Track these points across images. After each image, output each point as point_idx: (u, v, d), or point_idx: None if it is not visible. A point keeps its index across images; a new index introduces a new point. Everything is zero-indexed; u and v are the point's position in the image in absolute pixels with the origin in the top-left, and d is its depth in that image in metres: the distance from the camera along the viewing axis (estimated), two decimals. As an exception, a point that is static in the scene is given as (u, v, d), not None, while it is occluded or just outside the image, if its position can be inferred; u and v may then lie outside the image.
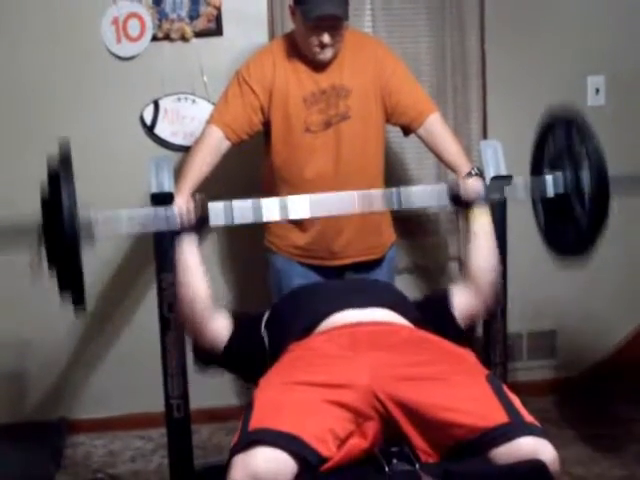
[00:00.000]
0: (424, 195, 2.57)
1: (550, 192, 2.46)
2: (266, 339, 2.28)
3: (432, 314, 2.32)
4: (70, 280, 2.12)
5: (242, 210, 2.44)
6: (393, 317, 2.24)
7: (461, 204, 2.44)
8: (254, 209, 2.45)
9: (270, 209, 2.47)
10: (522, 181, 2.55)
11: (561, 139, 2.43)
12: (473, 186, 2.46)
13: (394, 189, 2.55)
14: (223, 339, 2.30)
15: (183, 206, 2.36)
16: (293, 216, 2.50)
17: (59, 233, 2.06)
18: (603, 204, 2.27)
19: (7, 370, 3.66)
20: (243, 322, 2.35)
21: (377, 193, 2.60)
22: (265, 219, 2.48)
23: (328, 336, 2.12)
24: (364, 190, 2.58)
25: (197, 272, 2.31)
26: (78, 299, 2.16)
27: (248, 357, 2.23)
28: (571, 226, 2.40)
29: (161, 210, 2.38)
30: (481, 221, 2.42)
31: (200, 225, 2.34)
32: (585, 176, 2.32)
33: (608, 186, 2.26)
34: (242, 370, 2.38)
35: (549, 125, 2.50)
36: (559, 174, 2.42)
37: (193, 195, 2.44)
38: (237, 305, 3.62)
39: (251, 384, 2.11)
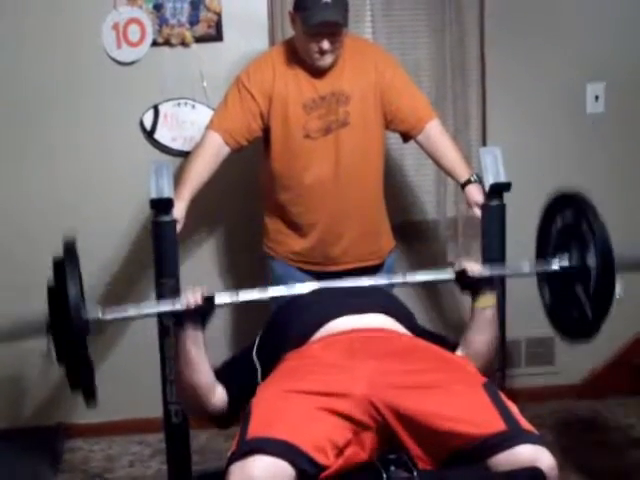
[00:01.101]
0: (430, 277, 2.56)
1: (555, 266, 2.43)
2: (258, 365, 2.26)
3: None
4: (79, 378, 2.13)
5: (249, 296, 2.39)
6: (390, 324, 2.23)
7: (467, 288, 2.39)
8: (260, 294, 2.41)
9: (276, 291, 2.45)
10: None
11: (567, 221, 2.42)
12: (477, 267, 2.38)
13: (401, 274, 2.57)
14: (226, 401, 2.24)
15: (189, 294, 2.25)
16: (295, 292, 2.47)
17: (66, 335, 2.07)
18: (608, 290, 2.27)
19: (5, 375, 3.66)
20: (233, 373, 2.29)
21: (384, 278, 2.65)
22: (270, 295, 2.44)
23: (325, 343, 2.12)
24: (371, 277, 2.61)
25: (202, 364, 2.21)
26: (88, 395, 2.17)
27: (247, 390, 2.17)
28: (575, 308, 2.38)
29: (167, 303, 2.31)
30: (485, 309, 2.36)
31: (205, 306, 2.23)
32: (591, 258, 2.30)
33: (614, 271, 2.25)
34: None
35: (554, 207, 2.49)
36: (565, 255, 2.41)
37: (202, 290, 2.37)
38: (235, 311, 3.61)
39: None
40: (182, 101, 3.56)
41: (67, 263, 2.10)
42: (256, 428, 1.79)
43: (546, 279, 2.52)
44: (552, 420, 3.68)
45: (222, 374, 2.26)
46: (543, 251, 2.53)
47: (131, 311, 2.32)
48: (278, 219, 3.03)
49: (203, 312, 2.23)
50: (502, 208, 2.81)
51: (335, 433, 1.80)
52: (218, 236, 3.72)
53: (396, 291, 2.75)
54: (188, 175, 2.84)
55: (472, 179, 2.87)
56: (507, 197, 2.82)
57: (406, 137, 3.04)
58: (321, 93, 2.88)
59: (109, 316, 2.25)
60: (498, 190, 2.79)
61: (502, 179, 2.78)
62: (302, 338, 2.17)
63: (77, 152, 3.60)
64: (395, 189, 3.58)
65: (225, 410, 2.24)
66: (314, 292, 2.42)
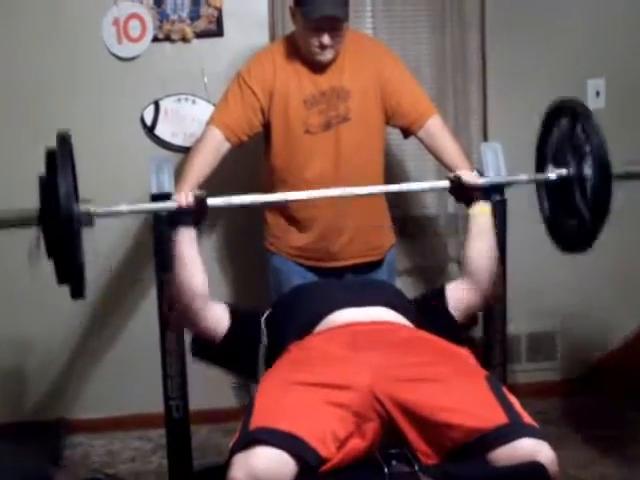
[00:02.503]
0: (425, 186, 2.73)
1: (553, 176, 2.48)
2: (265, 334, 2.30)
3: (427, 309, 2.36)
4: (69, 271, 2.12)
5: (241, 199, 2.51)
6: (393, 316, 2.24)
7: (462, 197, 2.44)
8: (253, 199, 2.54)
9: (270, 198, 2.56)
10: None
11: (565, 131, 2.44)
12: (474, 176, 2.48)
13: (397, 184, 2.67)
14: (222, 329, 2.33)
15: (182, 193, 2.40)
16: (292, 198, 2.60)
17: (57, 223, 2.06)
18: (605, 195, 2.29)
19: (6, 370, 3.66)
20: (243, 315, 2.38)
21: (380, 187, 2.74)
22: (263, 200, 2.58)
23: (328, 335, 2.13)
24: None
25: (195, 262, 2.33)
26: (77, 290, 2.16)
27: (245, 349, 2.24)
28: (574, 217, 2.41)
29: (159, 204, 2.44)
30: (482, 215, 2.43)
31: (198, 206, 2.36)
32: (588, 166, 2.34)
33: (610, 177, 2.29)
34: (237, 363, 2.40)
35: (553, 116, 2.51)
36: (563, 164, 2.44)
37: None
38: (233, 299, 3.61)
39: (243, 379, 2.11)
40: (183, 97, 3.56)
41: (60, 154, 2.09)
42: (259, 419, 1.79)
43: (544, 189, 2.54)
44: (553, 415, 3.68)
45: (234, 308, 2.34)
46: (542, 162, 2.55)
47: (124, 207, 2.37)
48: (278, 214, 3.03)
49: (196, 211, 2.34)
50: (503, 204, 2.81)
51: (337, 425, 1.80)
52: (219, 231, 3.72)
53: (398, 285, 2.75)
54: (189, 170, 2.85)
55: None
56: (507, 192, 2.81)
57: (406, 133, 3.04)
58: (321, 88, 2.88)
59: (101, 210, 2.26)
60: (499, 186, 2.78)
61: (503, 174, 2.77)
62: (305, 329, 2.19)
63: (77, 148, 3.56)
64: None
65: (215, 338, 2.29)
66: (318, 284, 2.44)
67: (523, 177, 2.58)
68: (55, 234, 2.08)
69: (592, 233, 2.37)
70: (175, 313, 2.53)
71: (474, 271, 2.43)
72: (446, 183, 2.52)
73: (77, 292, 2.19)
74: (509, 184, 2.68)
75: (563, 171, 2.45)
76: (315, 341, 2.13)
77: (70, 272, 2.14)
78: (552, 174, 2.49)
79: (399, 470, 1.78)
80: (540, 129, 2.58)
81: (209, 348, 2.38)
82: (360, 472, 1.80)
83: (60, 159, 2.10)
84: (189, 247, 2.34)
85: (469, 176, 2.51)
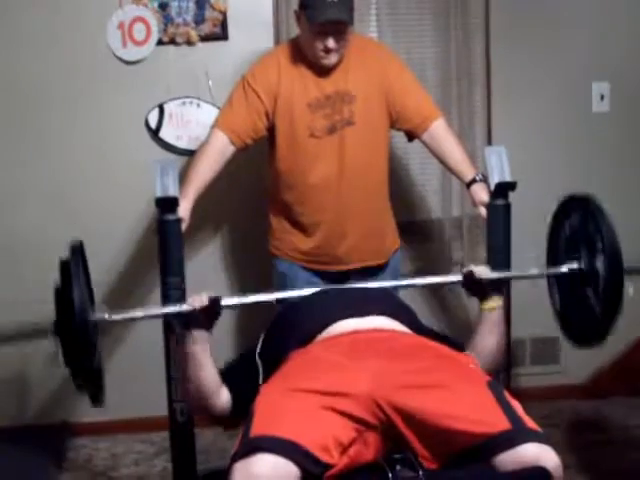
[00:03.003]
0: (438, 280, 2.72)
1: (564, 269, 2.45)
2: (260, 368, 2.26)
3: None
4: (86, 381, 2.14)
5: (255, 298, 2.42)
6: (394, 325, 2.23)
7: (475, 292, 2.39)
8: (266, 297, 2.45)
9: (282, 294, 2.51)
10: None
11: (576, 225, 2.43)
12: (485, 270, 2.39)
13: (409, 278, 2.73)
14: (230, 403, 2.24)
15: (196, 297, 2.27)
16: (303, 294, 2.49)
17: (73, 340, 2.07)
18: (617, 292, 2.28)
19: (9, 373, 3.66)
20: (236, 374, 2.29)
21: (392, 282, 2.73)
22: (276, 297, 2.50)
23: (329, 344, 2.12)
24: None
25: (207, 366, 2.22)
26: (96, 398, 2.18)
27: (249, 392, 2.16)
28: (585, 312, 2.40)
29: (174, 305, 2.37)
30: (492, 312, 2.36)
31: (212, 309, 2.24)
32: (600, 261, 2.31)
33: (622, 273, 2.27)
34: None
35: (564, 211, 2.50)
36: (574, 258, 2.42)
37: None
38: (241, 311, 3.61)
39: None
40: (187, 100, 3.56)
41: (73, 264, 2.10)
42: (259, 427, 1.79)
43: (556, 283, 2.53)
44: (557, 420, 3.67)
45: (225, 375, 2.26)
46: (553, 255, 2.54)
47: (138, 313, 2.33)
48: (283, 218, 3.03)
49: (209, 314, 2.24)
50: (507, 207, 2.81)
51: (339, 432, 1.80)
52: (223, 235, 3.72)
53: (401, 292, 2.75)
54: (193, 174, 2.85)
55: (477, 178, 2.87)
56: (512, 196, 2.82)
57: (411, 136, 3.04)
58: (326, 92, 2.88)
59: (116, 317, 2.25)
60: (503, 189, 2.78)
61: (507, 178, 2.77)
62: (305, 339, 2.17)
63: (82, 151, 3.60)
64: (400, 188, 3.58)
65: (229, 411, 2.23)
66: (318, 294, 2.42)
67: (535, 272, 2.54)
68: (71, 344, 2.08)
69: (605, 329, 2.35)
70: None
71: (481, 360, 2.29)
72: (459, 277, 2.45)
73: (96, 400, 2.20)
74: (521, 278, 2.67)
75: (575, 265, 2.41)
76: (315, 349, 2.12)
77: (87, 382, 2.15)
78: (564, 268, 2.45)
79: (403, 475, 1.78)
80: (551, 222, 2.56)
81: (231, 417, 2.31)
82: (364, 478, 1.79)
83: (74, 269, 2.09)
84: (202, 351, 2.21)
85: (481, 271, 2.38)
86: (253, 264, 3.56)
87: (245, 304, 2.42)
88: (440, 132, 2.97)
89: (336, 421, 1.82)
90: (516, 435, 1.76)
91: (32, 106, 3.54)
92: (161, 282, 2.69)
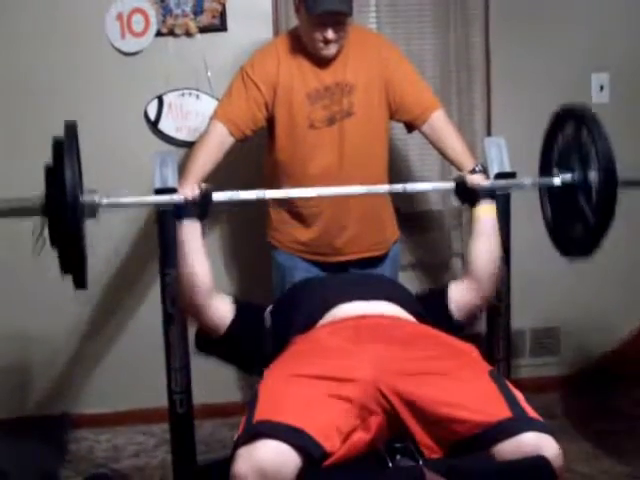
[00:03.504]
0: (430, 187, 2.77)
1: (557, 182, 2.48)
2: (269, 322, 2.30)
3: (428, 306, 2.36)
4: (73, 261, 2.12)
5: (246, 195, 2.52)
6: (397, 311, 2.24)
7: (467, 199, 2.44)
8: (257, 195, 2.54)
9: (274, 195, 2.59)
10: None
11: (570, 136, 2.44)
12: (479, 178, 2.47)
13: (401, 185, 2.64)
14: (226, 321, 2.33)
15: (188, 186, 2.41)
16: (295, 194, 2.62)
17: (63, 213, 2.06)
18: (610, 201, 2.28)
19: (10, 365, 3.67)
20: (246, 308, 2.38)
21: (384, 187, 2.72)
22: (268, 196, 2.58)
23: (332, 329, 2.13)
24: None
25: (199, 254, 2.34)
26: (80, 281, 2.17)
27: (249, 341, 2.24)
28: (578, 222, 2.41)
29: (165, 197, 2.45)
30: (486, 217, 2.43)
31: (203, 199, 2.37)
32: (593, 173, 2.33)
33: (616, 184, 2.27)
34: (240, 356, 2.41)
35: (558, 122, 2.50)
36: (568, 174, 2.43)
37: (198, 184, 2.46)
38: (238, 292, 3.61)
39: (247, 373, 2.10)
40: (186, 91, 3.56)
41: (66, 143, 2.10)
42: (263, 412, 1.79)
43: (548, 195, 2.54)
44: (556, 410, 3.68)
45: (238, 301, 2.35)
46: (546, 166, 2.54)
47: (129, 199, 2.40)
48: (282, 209, 3.03)
49: (201, 205, 2.35)
50: (507, 198, 2.81)
51: (341, 419, 1.80)
52: (222, 226, 3.72)
53: (402, 279, 2.75)
54: (192, 165, 2.84)
55: (476, 169, 2.85)
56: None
57: (410, 127, 3.03)
58: (325, 83, 2.88)
59: (106, 201, 2.26)
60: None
61: (507, 169, 2.77)
62: (310, 322, 2.19)
63: (81, 142, 3.58)
64: (399, 179, 3.56)
65: (218, 331, 2.29)
66: (322, 278, 2.44)
67: (527, 181, 2.57)
68: (60, 224, 2.08)
69: (595, 240, 2.36)
70: (179, 306, 2.54)
71: (476, 272, 2.43)
72: (451, 184, 2.51)
73: (80, 282, 2.20)
74: (513, 188, 2.68)
75: (568, 176, 2.44)
76: (319, 334, 2.13)
77: (74, 262, 2.14)
78: (557, 179, 2.47)
79: (403, 464, 1.78)
80: (545, 133, 2.57)
81: (213, 342, 2.38)
82: (364, 465, 1.80)
83: (67, 148, 2.10)
84: (193, 239, 2.35)
85: (474, 178, 2.50)
86: (251, 255, 3.57)
87: (236, 200, 2.51)
88: (440, 123, 2.96)
89: (339, 408, 1.82)
90: (517, 424, 1.76)
91: (30, 97, 3.54)
92: (160, 272, 2.68)
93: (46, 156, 3.56)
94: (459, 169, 2.94)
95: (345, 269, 2.99)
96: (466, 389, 1.86)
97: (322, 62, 2.87)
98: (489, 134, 3.68)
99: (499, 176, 2.76)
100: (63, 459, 3.48)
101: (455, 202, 3.66)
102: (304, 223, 3.00)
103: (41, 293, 3.53)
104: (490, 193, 2.52)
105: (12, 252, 3.56)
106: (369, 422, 1.85)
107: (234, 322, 2.33)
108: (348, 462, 1.78)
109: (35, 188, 3.50)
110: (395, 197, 3.16)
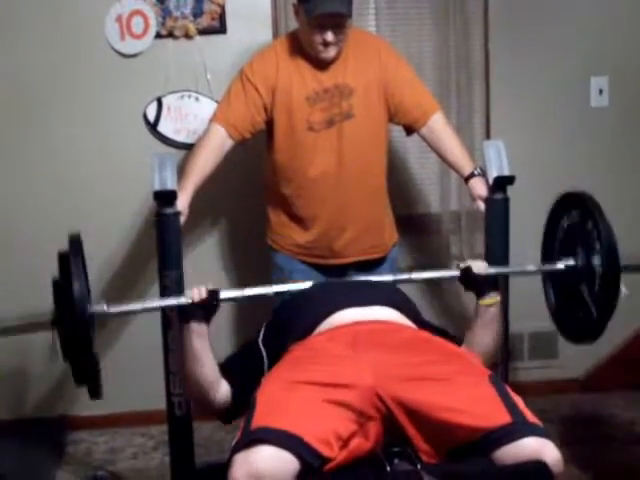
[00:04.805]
0: (435, 275, 2.67)
1: (560, 266, 2.46)
2: (264, 354, 2.26)
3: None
4: (84, 375, 2.14)
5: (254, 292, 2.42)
6: (395, 316, 2.24)
7: (471, 288, 2.39)
8: (264, 290, 2.45)
9: (281, 287, 2.49)
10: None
11: (573, 222, 2.44)
12: (482, 266, 2.39)
13: (407, 273, 2.63)
14: (229, 397, 2.24)
15: (195, 289, 2.26)
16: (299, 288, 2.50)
17: (72, 329, 2.07)
18: (613, 290, 2.29)
19: (8, 367, 3.66)
20: (240, 363, 2.30)
21: (390, 275, 2.65)
22: (275, 290, 2.48)
23: (330, 335, 2.12)
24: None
25: (205, 355, 2.21)
26: (94, 391, 2.19)
27: (254, 379, 2.15)
28: (580, 309, 2.40)
29: (172, 297, 2.38)
30: (490, 308, 2.36)
31: (211, 301, 2.24)
32: (596, 259, 2.32)
33: (619, 271, 2.28)
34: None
35: (560, 208, 2.50)
36: (571, 255, 2.43)
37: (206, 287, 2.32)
38: (239, 302, 3.61)
39: None
40: (186, 93, 3.56)
41: (72, 257, 2.10)
42: (260, 418, 1.79)
43: (551, 279, 2.53)
44: (555, 414, 3.67)
45: (229, 366, 2.26)
46: (549, 251, 2.54)
47: (136, 305, 2.33)
48: (281, 212, 3.02)
49: (208, 307, 2.23)
50: (506, 201, 2.81)
51: (340, 425, 1.80)
52: (221, 229, 3.72)
53: (400, 284, 2.74)
54: (192, 168, 2.84)
55: (475, 172, 2.87)
56: (510, 190, 2.81)
57: (409, 130, 3.03)
58: (325, 86, 2.88)
59: (114, 310, 2.25)
60: (502, 183, 2.78)
61: (506, 172, 2.78)
62: (307, 329, 2.18)
63: (80, 144, 3.60)
64: (398, 182, 3.57)
65: (229, 405, 2.23)
66: (320, 285, 2.42)
67: (531, 268, 2.55)
68: (70, 337, 2.09)
69: (599, 327, 2.35)
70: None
71: (476, 353, 2.31)
72: (456, 272, 2.45)
73: (94, 393, 2.20)
74: (518, 274, 2.68)
75: (571, 261, 2.42)
76: (317, 341, 2.12)
77: (87, 374, 2.15)
78: (560, 264, 2.45)
79: (401, 468, 1.78)
80: (547, 219, 2.56)
81: (232, 409, 2.25)
82: (363, 471, 1.79)
83: (73, 262, 2.09)
84: (200, 341, 2.21)
85: (478, 266, 2.38)
86: (251, 257, 3.56)
87: (244, 297, 2.41)
88: (439, 126, 2.96)
89: (337, 414, 1.82)
90: (516, 429, 1.76)
91: (30, 99, 3.54)
92: (159, 275, 2.68)
93: (46, 157, 3.59)
94: (458, 172, 2.95)
95: (344, 272, 2.99)
96: (465, 394, 1.85)
97: (321, 64, 2.86)
98: (488, 137, 3.68)
99: (498, 179, 2.77)
100: (61, 461, 3.47)
101: (454, 205, 3.70)
102: (303, 225, 3.00)
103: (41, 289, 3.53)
104: (494, 283, 2.40)
105: (11, 247, 3.58)
106: (367, 428, 1.85)
107: (236, 385, 2.23)
108: (346, 467, 1.78)
109: (35, 188, 3.56)
110: (394, 200, 3.16)
